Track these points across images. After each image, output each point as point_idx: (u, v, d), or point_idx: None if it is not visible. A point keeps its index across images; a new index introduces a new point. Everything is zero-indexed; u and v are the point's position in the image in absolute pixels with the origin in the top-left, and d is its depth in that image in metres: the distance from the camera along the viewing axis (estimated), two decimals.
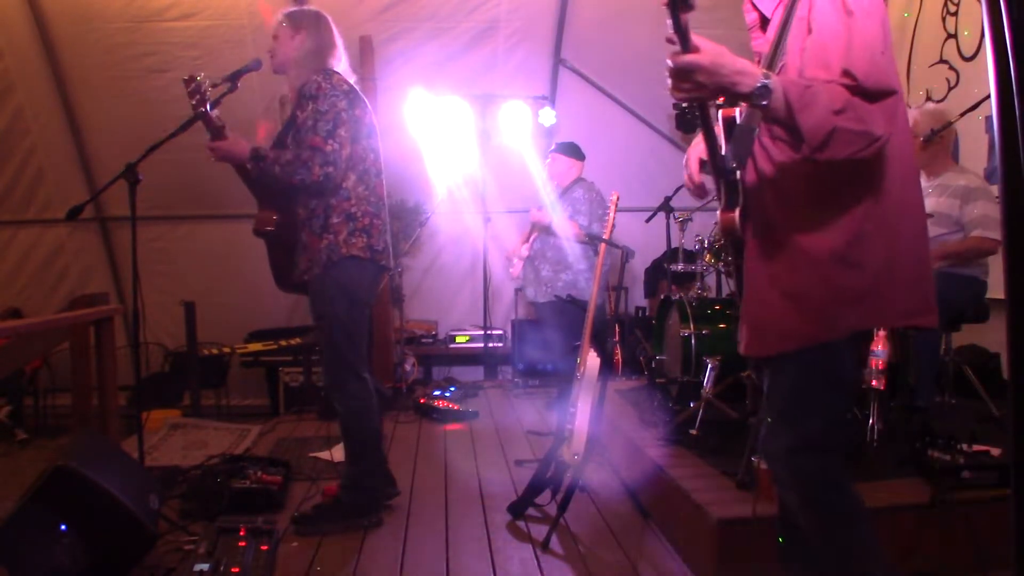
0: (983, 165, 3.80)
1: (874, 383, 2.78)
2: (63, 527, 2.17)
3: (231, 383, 5.47)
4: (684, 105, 5.40)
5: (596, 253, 4.42)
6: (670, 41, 1.31)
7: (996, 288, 3.34)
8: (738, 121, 1.51)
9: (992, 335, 3.86)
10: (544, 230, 4.62)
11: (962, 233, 3.30)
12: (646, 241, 5.13)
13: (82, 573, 2.17)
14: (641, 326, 5.47)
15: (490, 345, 5.75)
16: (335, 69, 2.80)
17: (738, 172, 1.54)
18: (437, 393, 4.98)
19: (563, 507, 2.74)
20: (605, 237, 3.06)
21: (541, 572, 2.46)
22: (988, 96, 0.82)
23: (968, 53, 4.03)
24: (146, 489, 2.46)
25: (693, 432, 3.11)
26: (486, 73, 5.49)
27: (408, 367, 5.39)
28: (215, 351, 5.32)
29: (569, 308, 4.40)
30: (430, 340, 5.92)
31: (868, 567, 1.56)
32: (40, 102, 5.15)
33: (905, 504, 2.28)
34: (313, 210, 2.73)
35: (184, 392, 5.06)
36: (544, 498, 2.91)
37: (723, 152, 1.52)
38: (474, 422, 4.57)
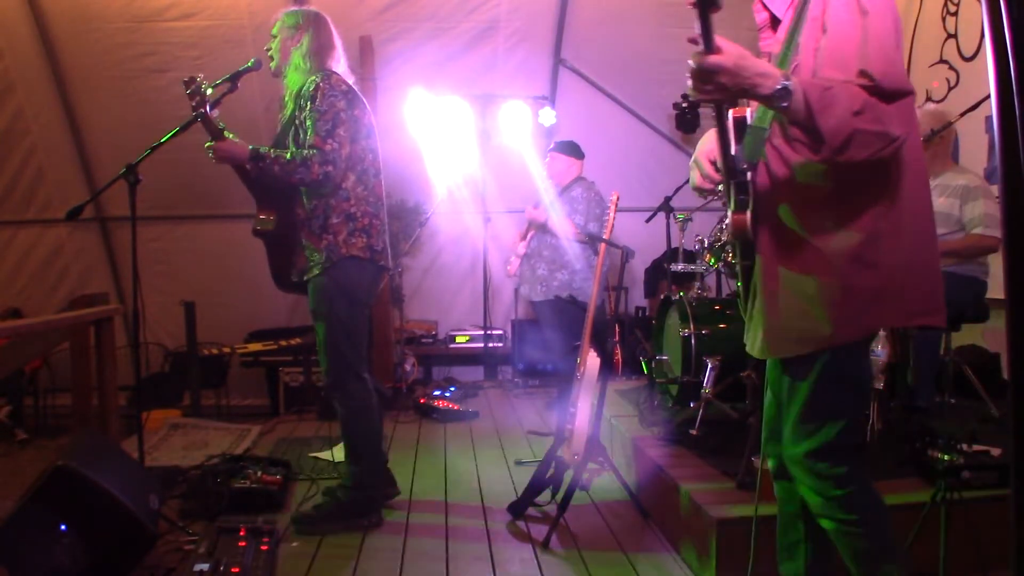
0: (983, 165, 3.80)
1: (874, 383, 2.78)
2: (63, 527, 2.17)
3: (231, 383, 5.47)
4: (684, 105, 5.42)
5: (595, 253, 4.43)
6: (692, 42, 1.30)
7: (996, 288, 3.34)
8: (749, 121, 1.50)
9: (992, 335, 3.86)
10: (540, 228, 4.61)
11: (963, 232, 3.30)
12: (646, 241, 5.12)
13: (82, 573, 2.17)
14: (641, 326, 5.47)
15: (490, 345, 5.75)
16: (334, 69, 2.80)
17: (749, 173, 1.53)
18: (437, 393, 4.98)
19: (563, 507, 2.74)
20: (605, 237, 3.06)
21: (541, 572, 2.46)
22: (988, 96, 0.82)
23: (968, 53, 4.03)
24: (146, 489, 2.46)
25: (693, 432, 3.11)
26: (486, 73, 5.49)
27: (408, 367, 5.39)
28: (215, 351, 5.31)
29: (566, 307, 4.40)
30: (430, 340, 5.92)
31: (889, 565, 1.56)
32: (40, 102, 5.15)
33: (905, 504, 2.27)
34: (312, 210, 2.73)
35: (184, 392, 5.05)
36: (544, 498, 2.91)
37: (734, 153, 1.51)
38: (474, 422, 4.57)
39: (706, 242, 3.89)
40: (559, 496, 2.83)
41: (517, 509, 2.91)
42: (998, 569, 2.16)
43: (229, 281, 5.54)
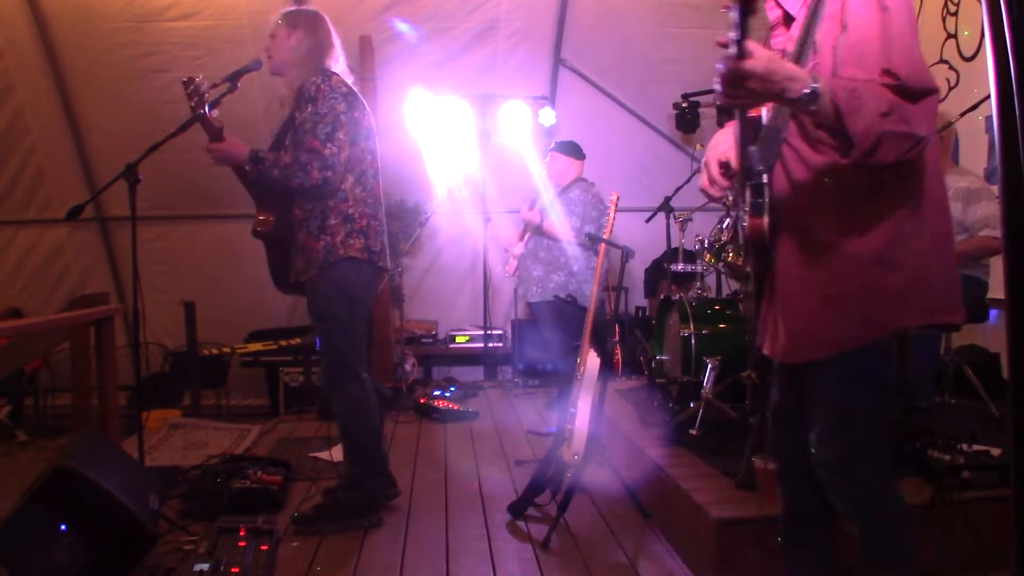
0: (983, 165, 3.80)
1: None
2: (63, 527, 2.17)
3: (231, 383, 5.47)
4: (684, 105, 5.41)
5: (595, 254, 4.43)
6: (722, 45, 1.28)
7: (996, 288, 3.33)
8: (764, 122, 1.48)
9: (992, 335, 3.86)
10: (536, 230, 4.62)
11: (966, 235, 3.30)
12: (646, 241, 5.12)
13: (82, 573, 2.17)
14: (641, 326, 5.47)
15: (490, 345, 5.75)
16: (333, 69, 2.80)
17: (765, 175, 1.51)
18: (437, 393, 4.98)
19: (563, 507, 2.74)
20: (605, 237, 3.06)
21: (541, 572, 2.46)
22: (988, 96, 0.82)
23: (968, 53, 4.03)
24: (146, 489, 2.46)
25: (693, 432, 3.11)
26: (486, 73, 5.49)
27: (408, 367, 5.39)
28: (215, 351, 5.32)
29: (563, 308, 4.40)
30: (430, 340, 5.92)
31: (914, 570, 1.55)
32: (40, 102, 5.15)
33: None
34: (310, 211, 2.73)
35: (184, 392, 5.06)
36: (544, 498, 2.91)
37: (749, 154, 1.49)
38: (474, 422, 4.57)
39: (706, 242, 3.89)
40: (559, 496, 2.83)
41: (517, 509, 2.91)
42: (998, 569, 2.16)
43: (229, 281, 5.54)
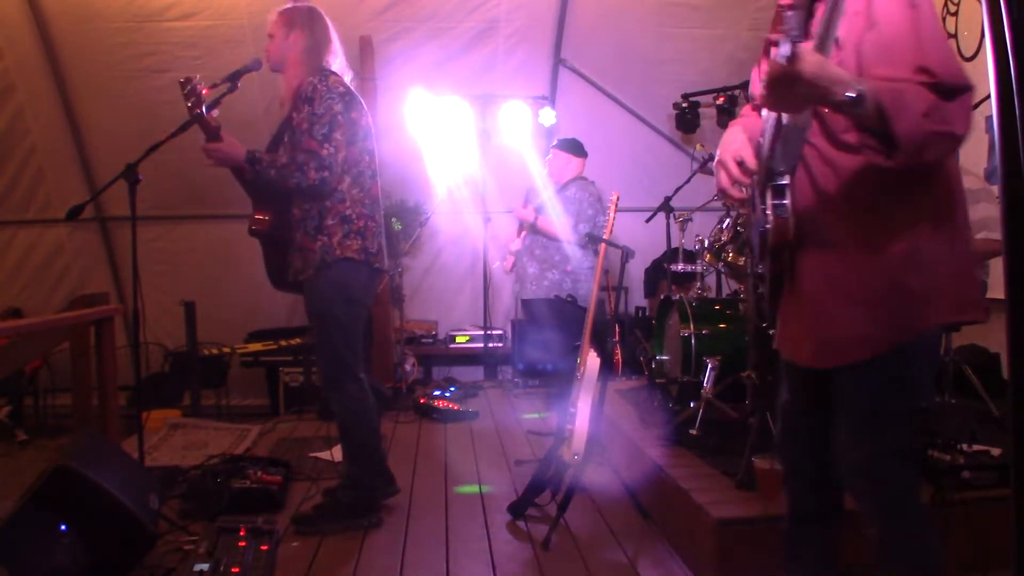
0: (983, 165, 3.80)
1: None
2: (63, 527, 2.17)
3: (231, 383, 5.47)
4: (684, 105, 5.41)
5: (595, 253, 4.43)
6: (771, 43, 1.26)
7: (996, 288, 3.33)
8: (785, 121, 1.45)
9: (992, 335, 3.86)
10: (530, 228, 4.62)
11: None
12: (646, 241, 5.12)
13: (82, 573, 2.17)
14: (641, 326, 5.47)
15: (490, 345, 5.75)
16: (331, 66, 2.80)
17: (787, 176, 1.48)
18: (437, 393, 4.98)
19: (563, 507, 2.74)
20: (605, 237, 3.06)
21: (541, 572, 2.46)
22: (988, 96, 0.82)
23: (968, 53, 4.03)
24: (146, 489, 2.46)
25: (693, 432, 3.12)
26: (486, 73, 5.49)
27: (408, 367, 5.39)
28: (215, 351, 5.32)
29: (561, 307, 4.40)
30: (430, 340, 5.92)
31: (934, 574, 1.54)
32: (40, 102, 5.15)
33: None
34: (308, 211, 2.73)
35: (184, 392, 5.06)
36: (544, 498, 2.91)
37: (770, 154, 1.46)
38: (474, 422, 4.57)
39: (706, 242, 3.90)
40: (559, 496, 2.83)
41: (517, 509, 2.91)
42: (998, 569, 2.16)
43: (229, 281, 5.54)
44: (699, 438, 3.08)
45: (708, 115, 5.50)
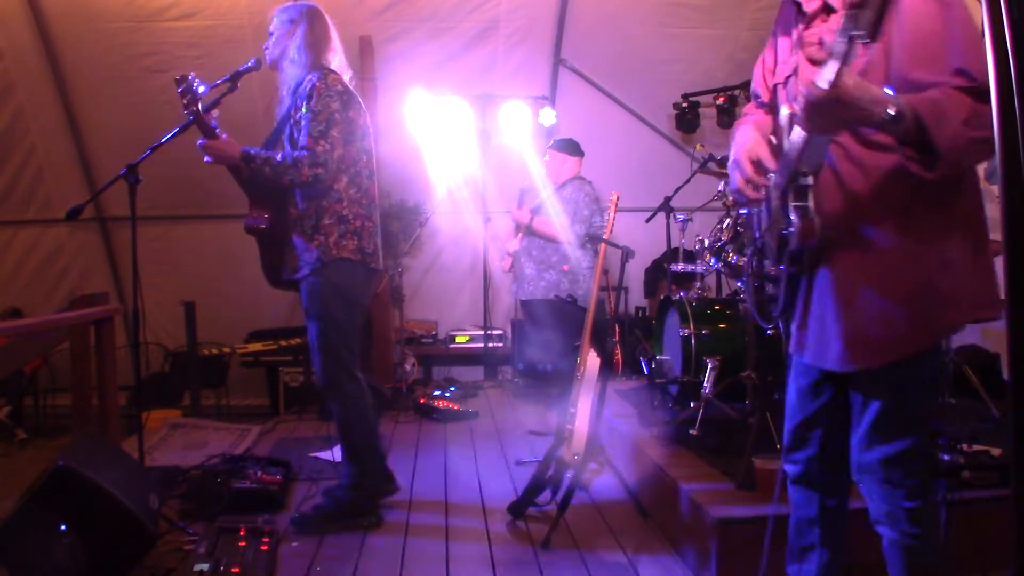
0: (983, 165, 3.79)
1: None
2: (63, 527, 2.17)
3: (231, 383, 5.47)
4: (684, 105, 5.41)
5: (594, 253, 4.43)
6: (813, 63, 1.23)
7: None
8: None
9: (992, 335, 3.86)
10: (526, 229, 4.62)
11: None
12: (646, 241, 5.12)
13: (82, 573, 2.17)
14: (641, 326, 5.47)
15: (490, 345, 5.75)
16: (331, 64, 2.80)
17: (811, 177, 1.45)
18: (437, 393, 4.98)
19: (563, 507, 2.74)
20: (605, 237, 3.06)
21: (541, 572, 2.46)
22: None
23: None
24: (146, 489, 2.46)
25: (693, 432, 3.11)
26: (486, 73, 5.48)
27: (408, 367, 5.39)
28: (215, 351, 5.31)
29: (558, 307, 4.40)
30: (430, 340, 5.92)
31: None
32: (40, 102, 5.14)
33: None
34: (305, 211, 2.74)
35: (184, 392, 5.05)
36: (544, 498, 2.92)
37: (791, 154, 1.44)
38: (474, 422, 4.57)
39: (706, 242, 3.89)
40: (559, 496, 2.83)
41: (517, 509, 2.91)
42: (998, 569, 2.16)
43: (229, 281, 5.53)
44: (699, 438, 3.08)
45: (708, 115, 5.50)
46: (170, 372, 5.45)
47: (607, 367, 2.83)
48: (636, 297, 6.10)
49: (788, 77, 1.63)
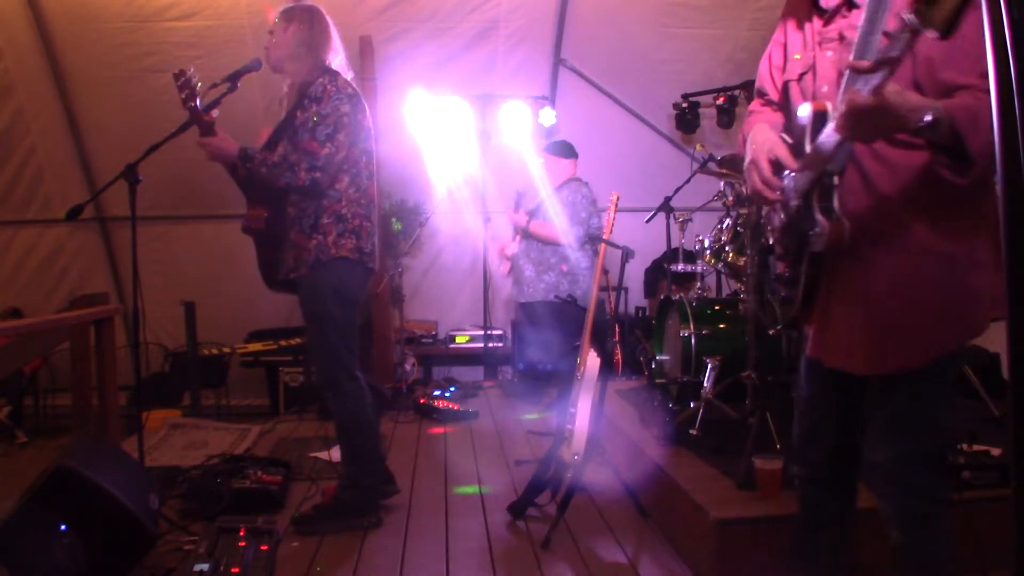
0: None
1: None
2: (63, 527, 2.17)
3: (231, 383, 5.47)
4: (684, 105, 5.41)
5: (594, 253, 4.43)
6: (856, 70, 1.20)
7: None
8: (830, 117, 1.40)
9: (992, 335, 3.85)
10: (523, 232, 4.62)
11: None
12: (646, 241, 5.12)
13: (82, 573, 2.17)
14: (641, 326, 5.47)
15: (490, 345, 5.75)
16: (331, 64, 2.80)
17: (835, 176, 1.43)
18: (437, 393, 4.98)
19: (563, 507, 2.74)
20: (605, 237, 3.06)
21: (541, 572, 2.46)
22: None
23: None
24: (146, 489, 2.46)
25: (693, 432, 3.11)
26: (486, 73, 5.48)
27: (408, 367, 5.39)
28: (215, 351, 5.32)
29: (556, 308, 4.40)
30: (430, 340, 5.92)
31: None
32: (40, 102, 5.14)
33: None
34: (304, 210, 2.74)
35: (184, 392, 5.05)
36: (544, 498, 2.91)
37: (809, 151, 1.42)
38: (474, 422, 4.57)
39: (707, 242, 3.90)
40: (559, 496, 2.83)
41: (517, 509, 2.91)
42: (998, 569, 2.16)
43: (229, 281, 5.53)
44: (699, 438, 3.08)
45: (708, 115, 5.49)
46: (170, 372, 5.45)
47: (607, 367, 2.83)
48: (636, 297, 6.10)
49: (802, 74, 1.60)
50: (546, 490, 2.91)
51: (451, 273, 6.08)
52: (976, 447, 2.49)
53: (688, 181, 4.47)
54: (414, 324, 5.92)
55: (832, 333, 1.55)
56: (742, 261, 3.48)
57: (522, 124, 5.47)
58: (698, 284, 4.26)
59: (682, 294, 4.19)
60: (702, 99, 5.42)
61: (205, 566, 2.20)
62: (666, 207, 4.78)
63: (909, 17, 1.07)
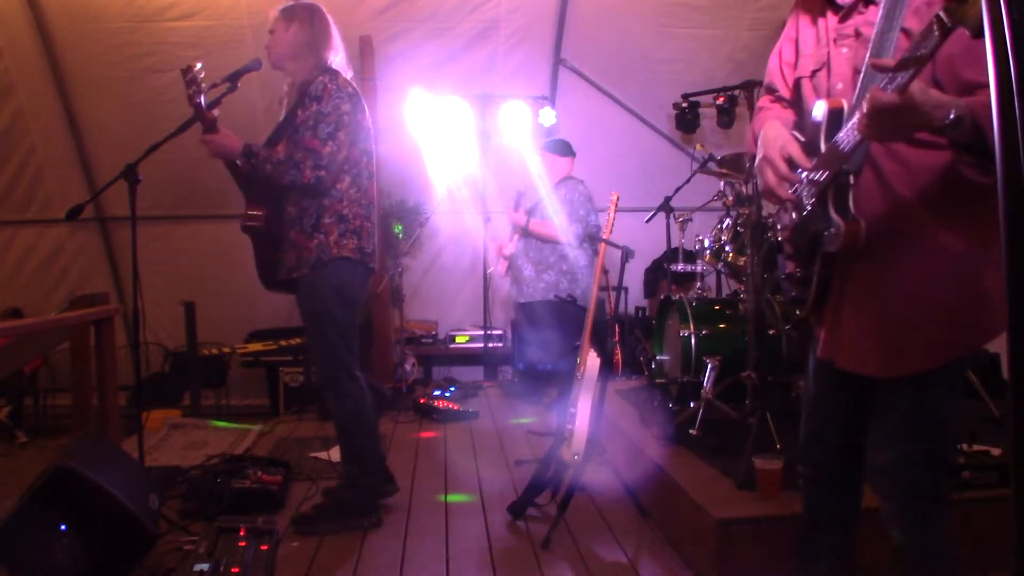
0: None
1: None
2: (63, 527, 2.17)
3: (231, 383, 5.47)
4: (684, 105, 5.41)
5: (595, 253, 4.43)
6: (879, 69, 1.18)
7: None
8: (846, 115, 1.38)
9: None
10: (522, 231, 4.62)
11: None
12: (646, 241, 5.12)
13: (82, 573, 2.17)
14: (641, 326, 5.47)
15: (490, 345, 5.75)
16: (331, 63, 2.80)
17: (851, 176, 1.41)
18: (437, 393, 4.98)
19: (563, 507, 2.74)
20: (605, 236, 3.06)
21: (541, 572, 2.46)
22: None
23: None
24: (146, 489, 2.46)
25: (693, 432, 3.11)
26: (486, 73, 5.48)
27: (408, 367, 5.39)
28: (215, 351, 5.32)
29: (560, 308, 4.39)
30: (430, 340, 5.92)
31: None
32: (40, 102, 5.14)
33: None
34: (305, 209, 2.74)
35: (184, 392, 5.05)
36: (544, 498, 2.91)
37: (824, 151, 1.40)
38: (474, 422, 4.57)
39: (706, 242, 3.90)
40: (559, 496, 2.83)
41: (517, 509, 2.91)
42: (998, 569, 2.16)
43: (229, 281, 5.53)
44: (699, 438, 3.08)
45: (708, 115, 5.49)
46: (170, 372, 5.45)
47: (607, 367, 2.83)
48: (636, 297, 6.10)
49: (816, 71, 1.58)
50: (546, 490, 2.91)
51: (451, 273, 6.08)
52: (976, 447, 2.49)
53: (688, 181, 4.47)
54: (414, 324, 5.92)
55: (844, 334, 1.53)
56: (742, 261, 3.48)
57: (522, 124, 5.47)
58: (698, 284, 4.26)
59: (682, 294, 4.19)
60: (702, 99, 5.42)
61: (205, 566, 2.20)
62: (666, 207, 4.78)
63: (941, 15, 1.04)
